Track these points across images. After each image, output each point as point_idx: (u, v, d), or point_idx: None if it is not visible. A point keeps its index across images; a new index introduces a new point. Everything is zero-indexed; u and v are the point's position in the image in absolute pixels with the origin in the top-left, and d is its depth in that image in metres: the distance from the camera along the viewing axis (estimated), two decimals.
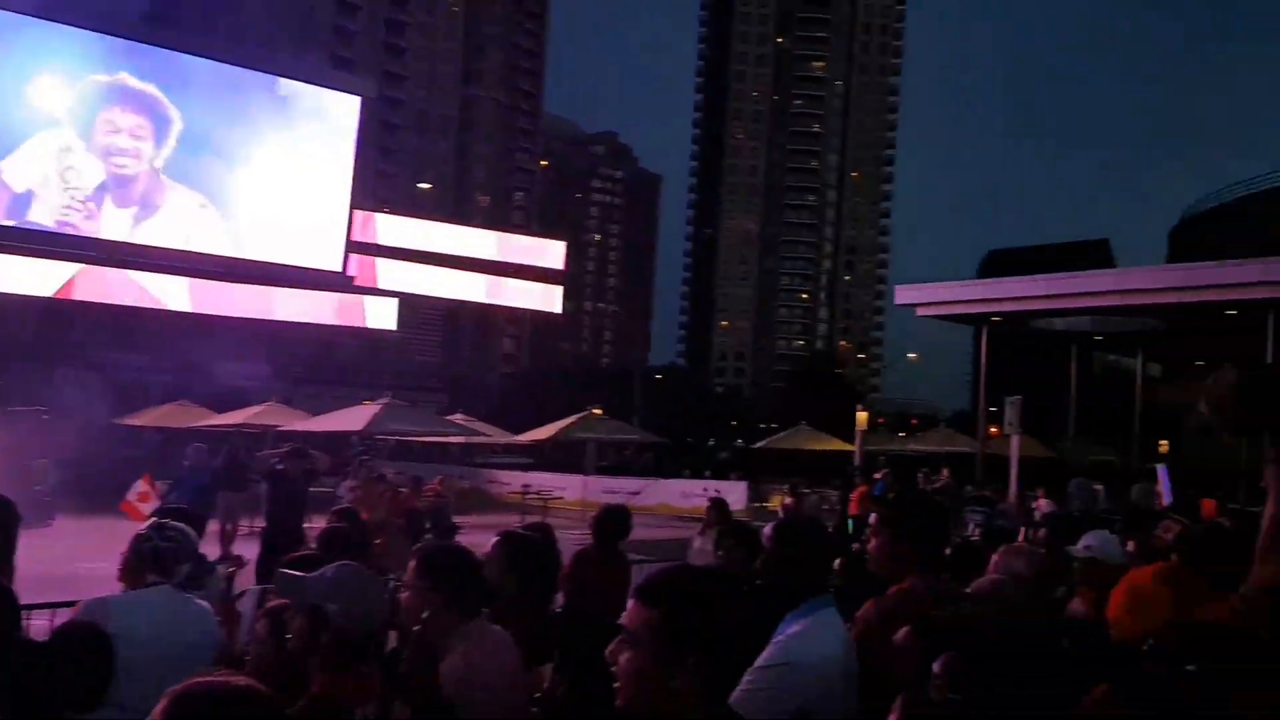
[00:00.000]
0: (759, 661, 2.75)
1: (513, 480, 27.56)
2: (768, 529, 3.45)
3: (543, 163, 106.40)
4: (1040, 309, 25.29)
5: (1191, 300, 21.45)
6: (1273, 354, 20.38)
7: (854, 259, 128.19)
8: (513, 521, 10.13)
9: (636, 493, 24.57)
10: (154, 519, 3.87)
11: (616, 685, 1.87)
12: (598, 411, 29.54)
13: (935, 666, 1.96)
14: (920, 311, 27.96)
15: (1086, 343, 29.44)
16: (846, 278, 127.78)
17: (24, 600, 3.21)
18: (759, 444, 36.60)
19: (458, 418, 28.21)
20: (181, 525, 3.69)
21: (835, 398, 56.08)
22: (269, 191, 25.70)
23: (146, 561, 3.49)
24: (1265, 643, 2.06)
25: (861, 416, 26.80)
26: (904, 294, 28.53)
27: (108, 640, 2.89)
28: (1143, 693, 1.97)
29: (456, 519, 14.08)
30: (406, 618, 2.94)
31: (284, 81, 27.07)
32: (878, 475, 20.63)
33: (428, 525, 12.32)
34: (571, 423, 27.50)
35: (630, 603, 1.93)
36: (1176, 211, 76.58)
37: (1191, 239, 51.42)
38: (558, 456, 33.76)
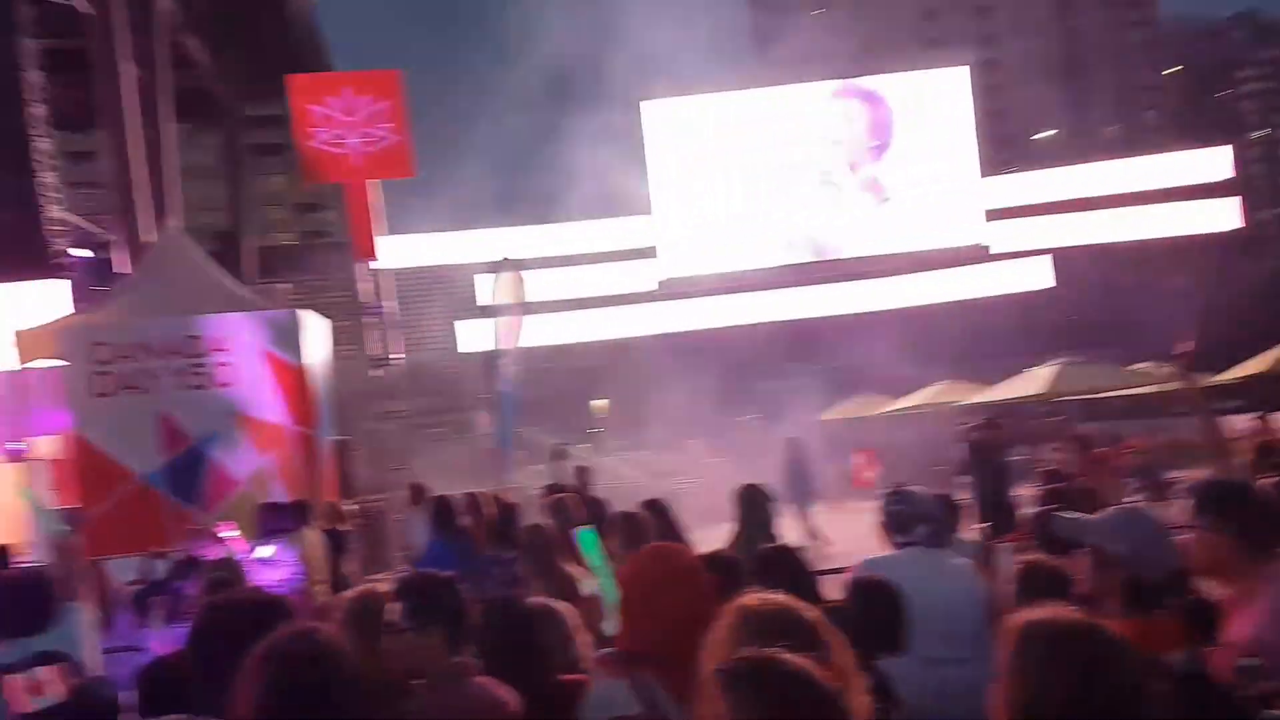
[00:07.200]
0: None
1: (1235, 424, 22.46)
2: None
3: (1172, 70, 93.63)
4: None
5: None
6: None
7: None
8: None
9: None
10: (890, 489, 4.16)
11: None
12: None
13: None
14: None
15: None
16: None
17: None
18: None
19: (1145, 366, 24.87)
20: (914, 490, 4.00)
21: None
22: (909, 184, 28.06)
23: (887, 526, 3.87)
24: None
25: None
26: None
27: (898, 592, 3.10)
28: None
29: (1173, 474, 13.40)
30: (1194, 561, 2.74)
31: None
32: None
33: (1134, 482, 12.00)
34: None
35: None
36: None
37: None
38: None
